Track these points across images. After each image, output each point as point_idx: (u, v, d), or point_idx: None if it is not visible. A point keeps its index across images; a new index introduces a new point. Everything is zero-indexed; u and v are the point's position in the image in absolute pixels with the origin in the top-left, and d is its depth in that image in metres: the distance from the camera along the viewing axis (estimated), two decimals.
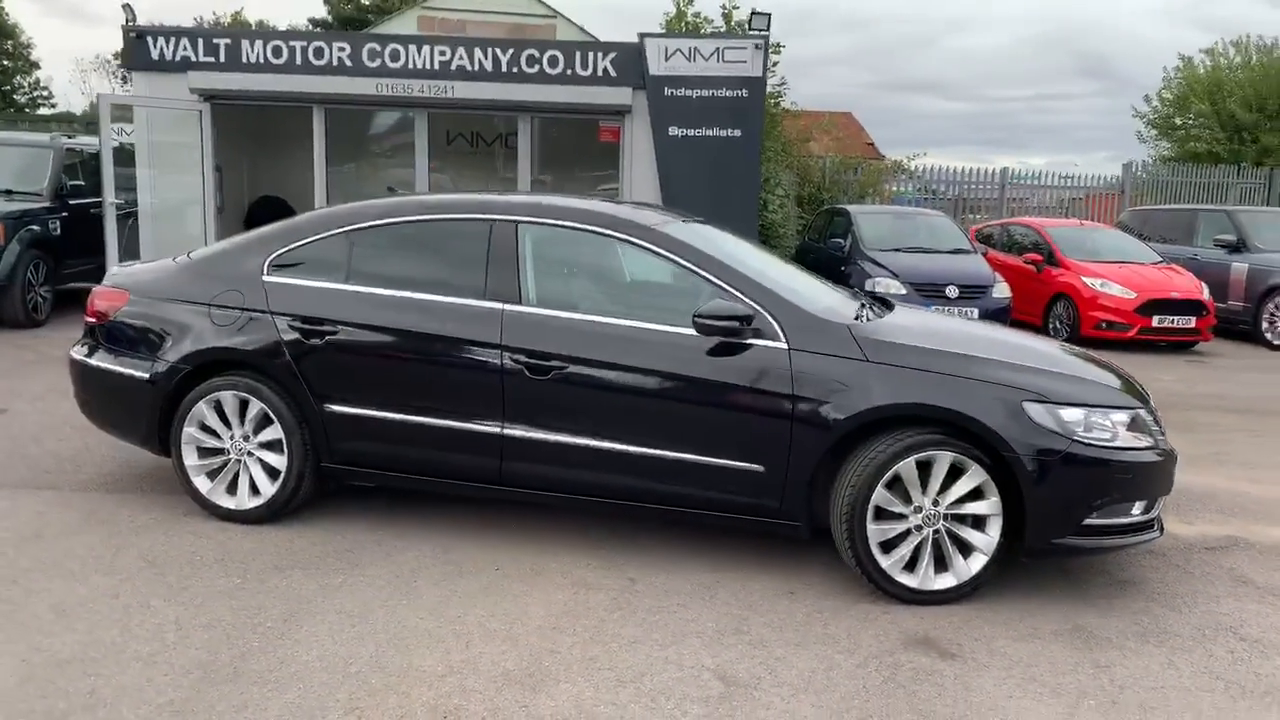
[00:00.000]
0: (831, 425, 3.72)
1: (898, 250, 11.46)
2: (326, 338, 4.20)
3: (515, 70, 10.34)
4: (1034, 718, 2.98)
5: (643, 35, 10.33)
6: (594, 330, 4.00)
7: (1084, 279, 11.95)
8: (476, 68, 10.33)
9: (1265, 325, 12.47)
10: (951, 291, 10.62)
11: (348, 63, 10.31)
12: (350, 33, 10.99)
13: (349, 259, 4.34)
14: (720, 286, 3.96)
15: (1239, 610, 3.83)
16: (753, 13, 10.26)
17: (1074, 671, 3.28)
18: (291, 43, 10.39)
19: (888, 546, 3.74)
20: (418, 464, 4.22)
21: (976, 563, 3.75)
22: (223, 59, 10.31)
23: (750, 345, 3.84)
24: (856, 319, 4.08)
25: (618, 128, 10.79)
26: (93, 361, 4.62)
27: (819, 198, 16.96)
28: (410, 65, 10.30)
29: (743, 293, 3.93)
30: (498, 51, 10.34)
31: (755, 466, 3.83)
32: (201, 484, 4.41)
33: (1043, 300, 12.34)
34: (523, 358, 3.98)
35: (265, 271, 4.38)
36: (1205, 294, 11.77)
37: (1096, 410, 3.74)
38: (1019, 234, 13.81)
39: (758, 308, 3.87)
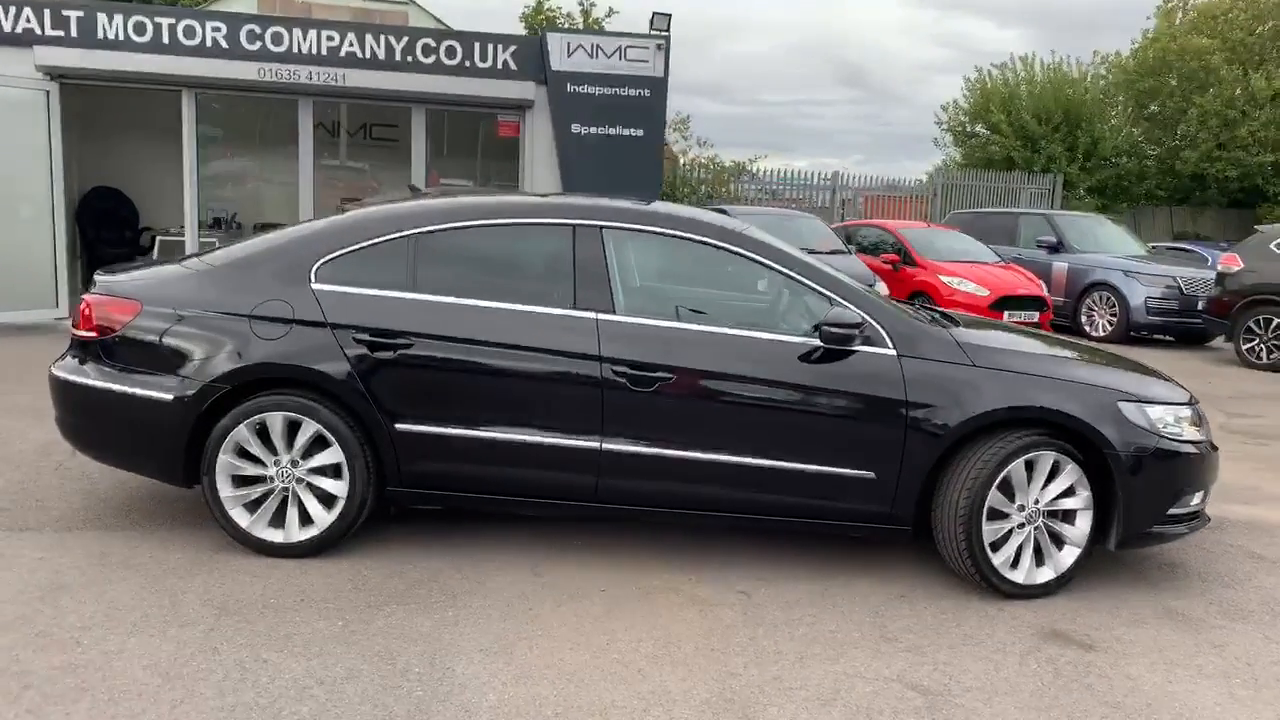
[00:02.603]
0: (945, 430, 3.80)
1: None
2: (399, 351, 3.85)
3: (410, 59, 9.83)
4: (1203, 700, 3.17)
5: (544, 29, 10.12)
6: (699, 339, 3.89)
7: (941, 277, 12.78)
8: (368, 55, 9.73)
9: (1084, 319, 13.78)
10: None
11: (224, 44, 9.44)
12: (227, 12, 10.06)
13: (413, 265, 4.00)
14: (823, 293, 3.96)
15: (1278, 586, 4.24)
16: (654, 14, 10.26)
17: (1200, 653, 3.52)
18: (158, 19, 9.39)
19: (995, 545, 3.87)
20: (503, 483, 3.95)
21: (1069, 556, 3.95)
22: (75, 34, 9.18)
23: (857, 352, 3.86)
24: (940, 326, 4.18)
25: (517, 123, 10.50)
26: (89, 381, 4.01)
27: (672, 197, 17.21)
28: (295, 50, 9.56)
29: (846, 299, 3.93)
30: (391, 39, 9.79)
31: (867, 473, 3.85)
32: (240, 517, 3.94)
33: (900, 297, 13.08)
34: (625, 369, 3.82)
35: (314, 279, 3.96)
36: (1045, 290, 12.90)
37: (1170, 407, 4.02)
38: (872, 235, 14.56)
39: (864, 315, 3.89)
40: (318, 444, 3.91)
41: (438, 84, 9.86)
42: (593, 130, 10.22)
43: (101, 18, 9.28)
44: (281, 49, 9.53)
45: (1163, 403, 4.00)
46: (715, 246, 4.07)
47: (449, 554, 4.07)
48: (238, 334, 3.89)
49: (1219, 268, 12.36)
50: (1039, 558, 3.93)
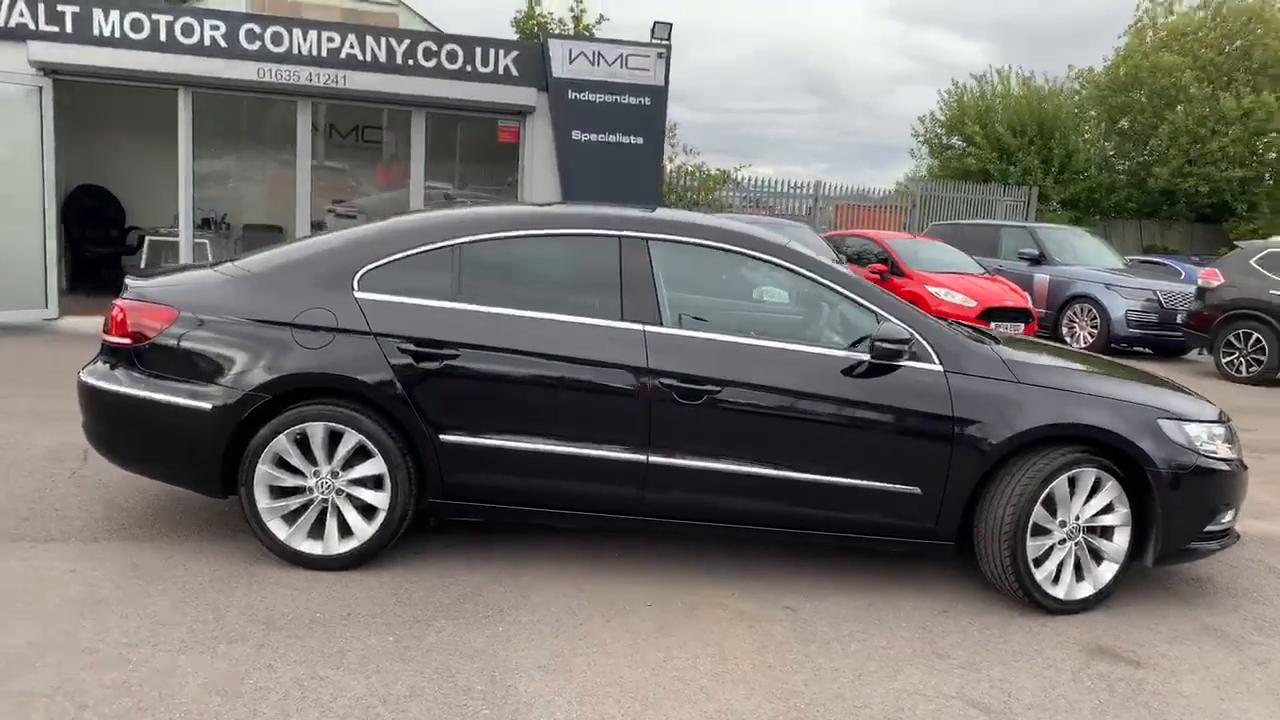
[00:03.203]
0: (991, 447, 3.81)
1: None
2: (445, 361, 3.81)
3: (411, 62, 9.74)
4: (1258, 717, 3.21)
5: (547, 35, 10.08)
6: (747, 352, 3.88)
7: (929, 288, 12.86)
8: (369, 57, 9.63)
9: (1065, 330, 13.97)
10: None
11: (222, 43, 9.30)
12: (225, 11, 9.90)
13: (458, 275, 3.96)
14: (870, 308, 3.97)
15: None
16: (655, 23, 10.26)
17: (1245, 670, 3.56)
18: (155, 16, 9.23)
19: (1037, 561, 3.89)
20: (548, 495, 3.92)
21: (1108, 571, 3.98)
22: (70, 29, 9.00)
23: (903, 367, 3.87)
24: (982, 342, 4.20)
25: (517, 128, 10.45)
26: (122, 389, 3.93)
27: (662, 205, 17.21)
28: (296, 51, 9.44)
29: (893, 314, 3.95)
30: (392, 41, 9.70)
31: (912, 489, 3.86)
32: (278, 529, 3.87)
33: None
34: (673, 381, 3.80)
35: (357, 287, 3.91)
36: (1030, 302, 13.07)
37: (1205, 425, 4.07)
38: (857, 245, 14.64)
39: (912, 330, 3.90)
40: (358, 455, 3.85)
41: (439, 88, 9.79)
42: (593, 137, 10.19)
43: (97, 13, 9.10)
44: (281, 49, 9.40)
45: (1199, 420, 4.05)
46: (763, 260, 4.08)
47: (489, 566, 4.03)
48: (279, 342, 3.83)
49: (1200, 282, 12.59)
50: (1079, 573, 3.96)
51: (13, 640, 3.17)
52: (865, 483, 3.86)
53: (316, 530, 3.90)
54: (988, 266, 14.38)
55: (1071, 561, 3.94)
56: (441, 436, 3.83)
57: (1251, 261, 11.94)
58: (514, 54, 9.98)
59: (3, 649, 3.11)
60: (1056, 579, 3.92)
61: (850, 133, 72.67)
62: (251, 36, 9.39)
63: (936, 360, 3.89)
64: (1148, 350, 13.60)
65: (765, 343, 3.93)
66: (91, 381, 4.03)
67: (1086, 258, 15.13)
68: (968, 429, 3.83)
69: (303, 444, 3.85)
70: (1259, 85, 24.92)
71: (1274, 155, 25.84)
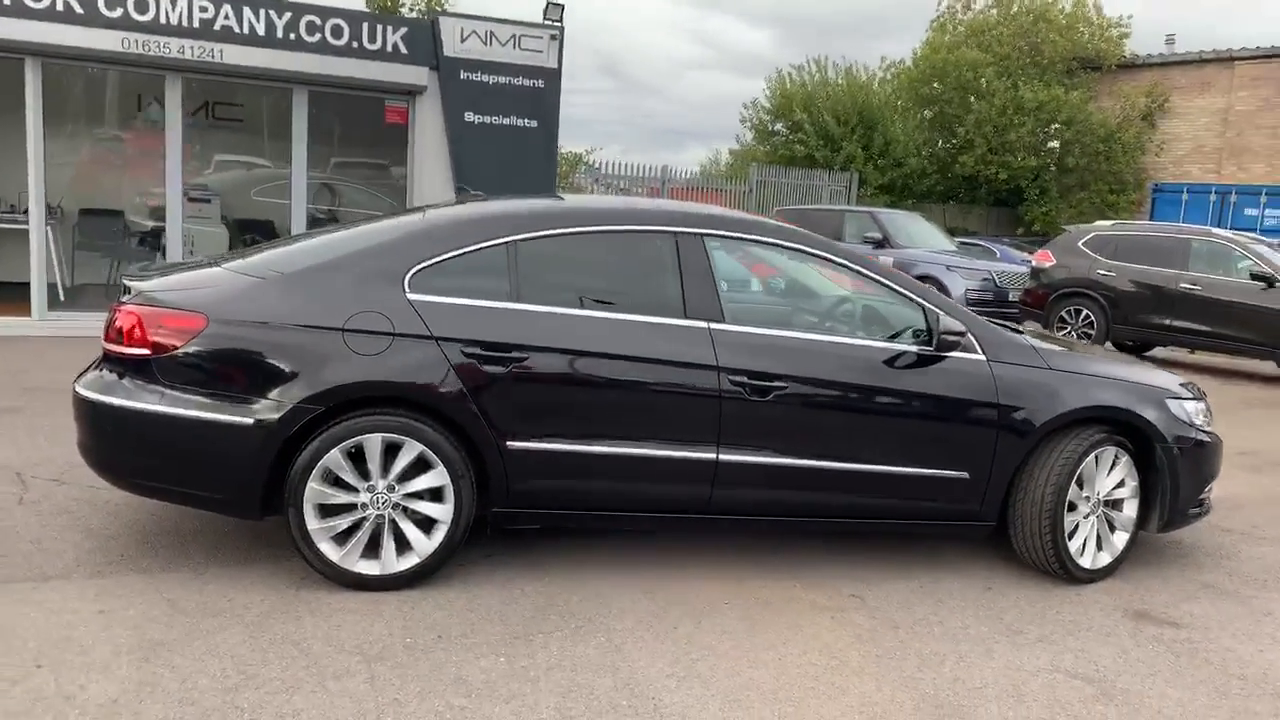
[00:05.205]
0: (1031, 429, 4.04)
1: None
2: (513, 366, 3.64)
3: (293, 37, 9.08)
4: None
5: (438, 12, 9.66)
6: (810, 347, 3.93)
7: None
8: (246, 30, 8.90)
9: None
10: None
11: (78, 9, 8.33)
12: None
13: (515, 274, 3.78)
14: (918, 302, 4.09)
15: (1265, 555, 4.81)
16: (548, 4, 10.04)
17: (1259, 622, 3.96)
18: None
19: (1070, 535, 4.16)
20: (615, 498, 3.83)
21: (1121, 540, 4.31)
22: None
23: (949, 358, 4.03)
24: (1015, 332, 4.41)
25: (405, 108, 9.97)
26: (138, 405, 3.52)
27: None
28: (164, 20, 8.58)
29: (941, 308, 4.08)
30: (272, 14, 9.00)
31: (961, 474, 4.04)
32: (329, 550, 3.59)
33: None
34: (743, 378, 3.79)
35: (408, 288, 3.66)
36: None
37: (1194, 401, 4.47)
38: None
39: (960, 323, 4.06)
40: (420, 466, 3.63)
41: (324, 65, 9.17)
42: (486, 119, 9.88)
43: None
44: (147, 18, 8.51)
45: (1190, 398, 4.44)
46: (813, 256, 4.13)
47: (548, 574, 3.90)
48: (329, 350, 3.54)
49: (1034, 263, 13.74)
50: (1099, 544, 4.27)
51: (92, 695, 2.80)
52: (921, 470, 4.00)
53: (370, 549, 3.65)
54: None
55: (1094, 534, 4.24)
56: (509, 443, 3.66)
57: (1079, 244, 13.11)
58: (403, 30, 9.51)
59: (89, 706, 2.74)
60: (1082, 551, 4.21)
61: (643, 115, 73.68)
62: (111, 3, 8.46)
63: (979, 350, 4.08)
64: None
65: (826, 337, 4.00)
66: (95, 396, 3.58)
67: (923, 240, 16.12)
68: (1011, 414, 4.03)
69: (355, 457, 3.58)
70: (1049, 80, 27.23)
71: (1055, 145, 28.33)
